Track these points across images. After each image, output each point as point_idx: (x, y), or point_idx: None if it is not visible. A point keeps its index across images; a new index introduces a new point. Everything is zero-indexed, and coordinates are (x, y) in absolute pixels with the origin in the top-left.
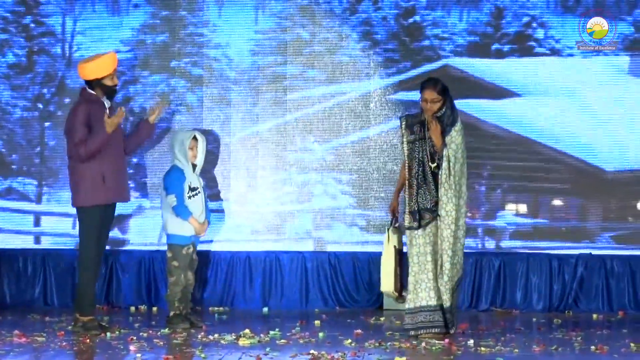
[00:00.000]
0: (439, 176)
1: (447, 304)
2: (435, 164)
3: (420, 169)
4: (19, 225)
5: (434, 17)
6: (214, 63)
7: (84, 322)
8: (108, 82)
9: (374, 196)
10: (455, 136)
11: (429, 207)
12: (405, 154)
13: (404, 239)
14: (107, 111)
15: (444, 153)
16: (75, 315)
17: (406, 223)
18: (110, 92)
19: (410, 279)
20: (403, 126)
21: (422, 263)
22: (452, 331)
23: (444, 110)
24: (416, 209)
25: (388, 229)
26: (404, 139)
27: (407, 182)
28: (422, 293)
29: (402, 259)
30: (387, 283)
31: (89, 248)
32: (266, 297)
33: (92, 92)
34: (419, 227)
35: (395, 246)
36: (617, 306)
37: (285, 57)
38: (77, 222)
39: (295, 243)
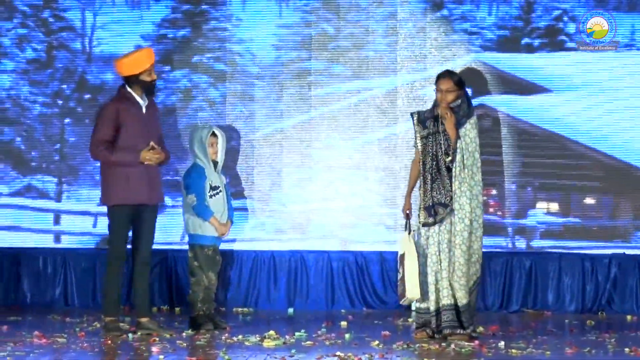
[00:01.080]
0: (453, 170)
1: (462, 301)
2: (449, 158)
3: (434, 163)
4: (39, 224)
5: (462, 11)
6: (237, 58)
7: (106, 322)
8: (146, 78)
9: (401, 194)
10: (469, 129)
11: (443, 201)
12: (419, 150)
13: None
14: (144, 109)
15: (458, 145)
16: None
17: (421, 219)
18: (149, 88)
19: (429, 278)
20: (415, 121)
21: (438, 261)
22: (468, 331)
23: (459, 102)
24: (431, 204)
25: (408, 233)
26: (417, 135)
27: (421, 178)
28: (436, 293)
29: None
30: (413, 289)
31: (114, 247)
32: (291, 297)
33: (129, 89)
34: (434, 222)
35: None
36: None
37: (309, 52)
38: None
39: (320, 242)
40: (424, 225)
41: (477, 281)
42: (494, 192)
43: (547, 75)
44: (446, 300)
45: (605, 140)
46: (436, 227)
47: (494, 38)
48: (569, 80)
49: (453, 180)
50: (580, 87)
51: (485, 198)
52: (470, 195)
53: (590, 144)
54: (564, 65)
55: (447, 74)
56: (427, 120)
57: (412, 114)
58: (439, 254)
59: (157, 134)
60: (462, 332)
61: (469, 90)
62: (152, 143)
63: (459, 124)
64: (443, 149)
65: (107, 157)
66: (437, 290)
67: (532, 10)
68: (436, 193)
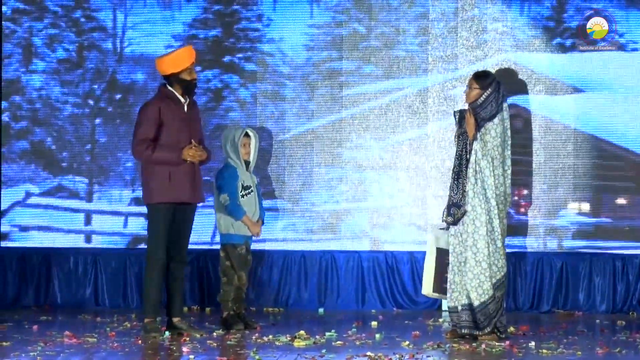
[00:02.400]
0: (468, 171)
1: (476, 302)
2: (450, 218)
3: (457, 162)
4: (70, 224)
5: (493, 11)
6: (268, 58)
7: (144, 323)
8: (186, 77)
9: (432, 194)
10: (489, 129)
11: (457, 202)
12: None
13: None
14: (185, 108)
15: (473, 146)
16: None
17: (442, 219)
18: (188, 87)
19: (449, 277)
20: (456, 120)
21: (454, 262)
22: (485, 331)
23: (481, 101)
24: (450, 204)
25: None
26: (456, 133)
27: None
28: (454, 293)
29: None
30: (426, 286)
31: (153, 247)
32: (322, 297)
33: (170, 88)
34: (454, 222)
35: (437, 247)
36: None
37: (340, 52)
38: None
39: (351, 242)
40: (447, 225)
41: (502, 279)
42: (525, 192)
43: (579, 75)
44: (463, 300)
45: (637, 140)
46: (454, 227)
47: (525, 38)
48: (600, 81)
49: (467, 181)
50: (612, 87)
51: (516, 198)
52: (485, 196)
53: (623, 144)
54: (596, 65)
55: (476, 73)
56: (462, 119)
57: (454, 112)
58: (456, 255)
59: (199, 133)
60: (477, 332)
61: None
62: (193, 141)
63: (479, 126)
64: (467, 149)
65: (149, 156)
66: (451, 291)
67: (564, 10)
68: (454, 193)
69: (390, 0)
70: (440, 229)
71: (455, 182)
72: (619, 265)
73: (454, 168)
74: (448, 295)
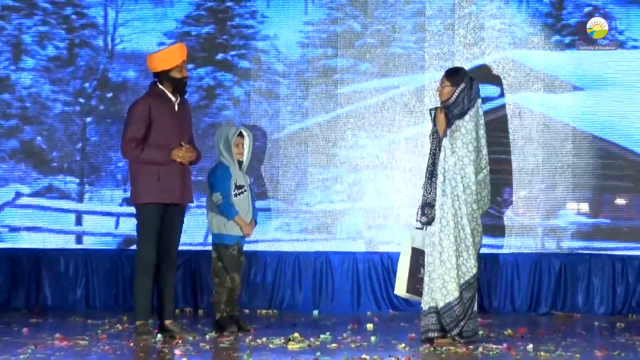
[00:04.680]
0: (437, 169)
1: (440, 303)
2: (424, 218)
3: (431, 161)
4: (60, 225)
5: (491, 8)
6: (262, 55)
7: (136, 325)
8: (176, 74)
9: None
10: (459, 126)
11: (429, 201)
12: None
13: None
14: (176, 107)
15: (443, 143)
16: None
17: (417, 219)
18: (179, 85)
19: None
20: (432, 117)
21: (427, 263)
22: (452, 334)
23: (453, 99)
24: (424, 203)
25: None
26: (430, 131)
27: None
28: (425, 295)
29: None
30: (400, 285)
31: (143, 249)
32: (316, 299)
33: (161, 86)
34: (428, 222)
35: (413, 247)
36: None
37: (335, 49)
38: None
39: (346, 243)
40: (421, 224)
41: (471, 280)
42: (523, 192)
43: (577, 73)
44: (431, 303)
45: (638, 139)
46: (426, 227)
47: (523, 35)
48: (600, 79)
49: (437, 180)
50: (611, 85)
51: (514, 198)
52: (454, 194)
53: (623, 144)
54: (595, 63)
55: (447, 71)
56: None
57: (430, 110)
58: (427, 256)
59: (189, 132)
60: (432, 335)
61: (496, 88)
62: (183, 143)
63: (449, 123)
64: (439, 147)
65: (138, 155)
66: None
67: (562, 7)
68: (427, 193)
69: None
70: (417, 228)
71: (429, 181)
72: (619, 267)
73: (427, 167)
74: (423, 297)
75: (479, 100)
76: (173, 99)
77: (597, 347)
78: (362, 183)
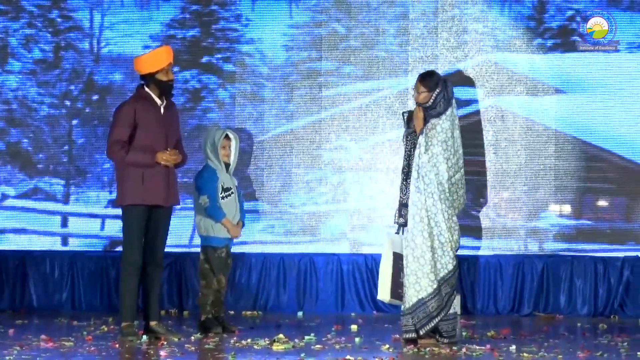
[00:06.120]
0: (412, 164)
1: (413, 299)
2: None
3: (406, 162)
4: (46, 226)
5: (474, 11)
6: (247, 59)
7: (121, 327)
8: (162, 77)
9: None
10: (435, 124)
11: (405, 202)
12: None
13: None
14: (162, 110)
15: (418, 140)
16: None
17: (395, 220)
18: (165, 88)
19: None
20: (404, 120)
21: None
22: (424, 331)
23: (430, 103)
24: (400, 205)
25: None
26: (404, 134)
27: None
28: (405, 296)
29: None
30: (383, 291)
31: (128, 250)
32: (301, 300)
33: (147, 89)
34: (405, 224)
35: (394, 251)
36: None
37: (320, 52)
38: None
39: (330, 245)
40: (398, 225)
41: (447, 276)
42: (505, 194)
43: (560, 76)
44: (407, 304)
45: (619, 142)
46: (403, 228)
47: (506, 38)
48: (581, 82)
49: (411, 177)
50: (593, 88)
51: (496, 200)
52: (427, 191)
53: (604, 146)
54: (577, 66)
55: (421, 77)
56: (410, 119)
57: (403, 113)
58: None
59: (176, 135)
60: (407, 336)
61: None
62: (168, 149)
63: (425, 121)
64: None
65: (122, 157)
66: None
67: (544, 10)
68: (403, 194)
69: (369, 0)
70: (396, 232)
71: (404, 182)
72: (601, 268)
73: (402, 169)
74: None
75: (454, 101)
76: (159, 102)
77: (580, 348)
78: (346, 185)
